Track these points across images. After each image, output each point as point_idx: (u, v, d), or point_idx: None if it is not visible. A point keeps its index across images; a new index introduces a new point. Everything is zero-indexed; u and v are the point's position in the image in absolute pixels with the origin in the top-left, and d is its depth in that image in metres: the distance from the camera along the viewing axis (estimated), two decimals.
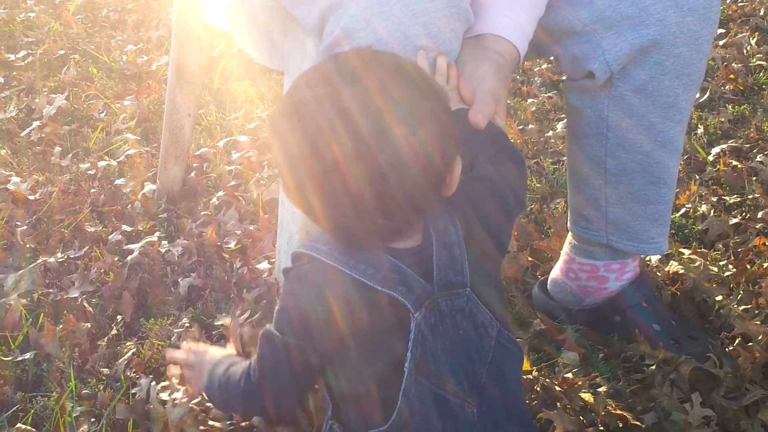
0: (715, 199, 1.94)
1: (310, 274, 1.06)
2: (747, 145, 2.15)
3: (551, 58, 1.83)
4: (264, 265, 1.77)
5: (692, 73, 1.34)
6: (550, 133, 2.33)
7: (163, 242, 1.92)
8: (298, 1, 1.42)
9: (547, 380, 1.41)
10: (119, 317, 1.70)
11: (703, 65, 1.36)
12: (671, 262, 1.72)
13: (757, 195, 1.92)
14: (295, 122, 0.98)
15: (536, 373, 1.45)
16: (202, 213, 2.03)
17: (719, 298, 1.62)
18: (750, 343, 1.46)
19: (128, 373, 1.55)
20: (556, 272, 1.65)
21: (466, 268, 1.05)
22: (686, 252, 1.75)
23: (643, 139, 1.40)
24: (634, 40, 1.31)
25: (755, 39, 2.67)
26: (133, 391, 1.49)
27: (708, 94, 2.38)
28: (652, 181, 1.44)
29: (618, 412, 1.36)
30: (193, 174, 2.20)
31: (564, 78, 1.49)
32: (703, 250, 1.76)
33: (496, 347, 1.07)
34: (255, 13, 1.57)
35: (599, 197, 1.49)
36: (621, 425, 1.35)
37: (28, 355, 1.58)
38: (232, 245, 1.89)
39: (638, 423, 1.34)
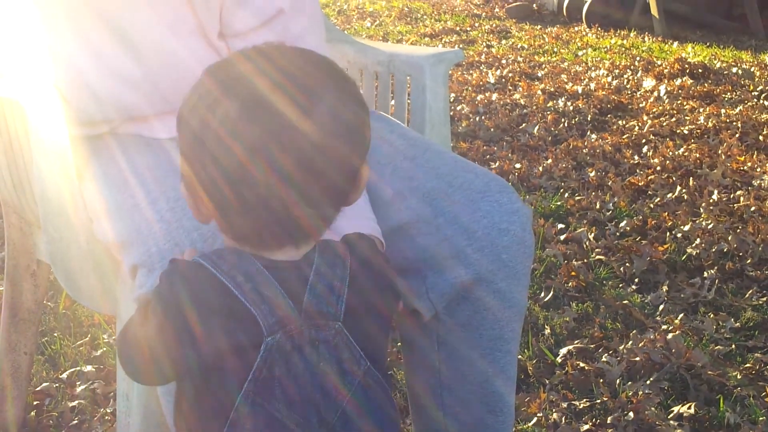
0: (565, 404, 1.95)
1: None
2: (592, 345, 2.19)
3: None
4: None
5: (513, 305, 1.37)
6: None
7: None
8: (120, 247, 1.40)
9: None
10: None
11: (523, 295, 1.40)
12: None
13: (605, 399, 1.94)
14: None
15: None
16: None
17: None
18: None
19: None
20: None
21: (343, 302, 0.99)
22: None
23: (476, 371, 1.40)
24: (455, 279, 1.33)
25: (593, 233, 2.79)
26: None
27: (552, 292, 2.44)
28: (489, 410, 1.43)
29: None
30: (33, 413, 2.08)
31: None
32: None
33: (359, 386, 1.01)
34: (84, 258, 1.54)
35: (440, 429, 1.47)
36: None
37: None
38: None
39: None
